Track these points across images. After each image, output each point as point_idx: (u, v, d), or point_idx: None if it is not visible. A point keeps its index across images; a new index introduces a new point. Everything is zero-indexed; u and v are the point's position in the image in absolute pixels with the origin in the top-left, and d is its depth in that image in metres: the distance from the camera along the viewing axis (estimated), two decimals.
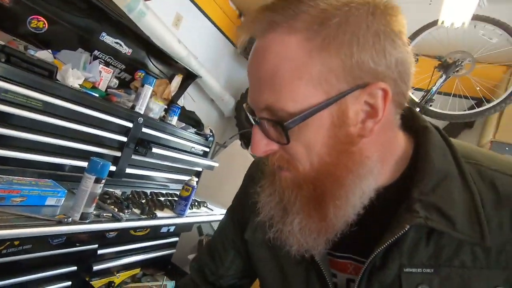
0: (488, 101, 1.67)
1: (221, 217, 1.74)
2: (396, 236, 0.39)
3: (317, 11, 0.37)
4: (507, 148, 1.73)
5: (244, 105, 0.45)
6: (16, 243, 0.97)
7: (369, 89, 0.38)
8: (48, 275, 1.13)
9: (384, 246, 0.39)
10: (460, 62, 1.69)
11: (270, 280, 0.56)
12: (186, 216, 1.39)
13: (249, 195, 0.52)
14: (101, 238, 1.32)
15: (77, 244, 1.21)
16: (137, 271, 1.61)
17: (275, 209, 0.45)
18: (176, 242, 1.82)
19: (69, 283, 1.21)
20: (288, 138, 0.39)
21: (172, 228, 1.69)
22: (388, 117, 0.40)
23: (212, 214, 1.63)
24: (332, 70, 0.37)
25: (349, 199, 0.40)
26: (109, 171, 0.98)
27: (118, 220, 1.04)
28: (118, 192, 1.29)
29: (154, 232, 1.61)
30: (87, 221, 0.93)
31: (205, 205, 1.67)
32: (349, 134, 0.39)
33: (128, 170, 1.46)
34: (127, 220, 1.08)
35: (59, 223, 0.85)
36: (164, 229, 1.65)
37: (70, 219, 0.87)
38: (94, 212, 0.96)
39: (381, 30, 0.37)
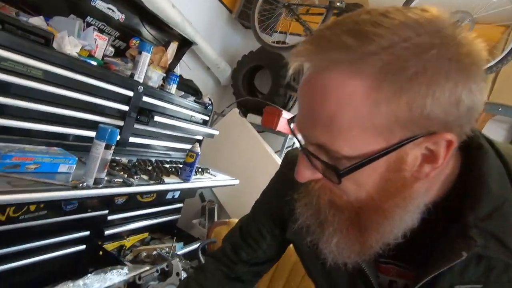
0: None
1: (223, 183, 1.81)
2: (453, 263, 0.39)
3: (391, 57, 0.32)
4: (500, 109, 1.78)
5: (289, 121, 0.42)
6: (32, 208, 1.01)
7: (434, 138, 0.35)
8: (63, 239, 1.19)
9: (440, 271, 0.40)
10: (460, 23, 1.68)
11: (315, 273, 0.58)
12: (192, 182, 1.43)
13: (286, 201, 0.51)
14: (110, 204, 1.37)
15: (89, 210, 1.26)
16: (145, 235, 1.69)
17: (310, 219, 0.44)
18: (180, 208, 1.89)
19: (84, 246, 1.27)
20: (340, 180, 0.37)
21: (176, 194, 1.75)
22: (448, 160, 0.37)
23: (215, 180, 1.68)
24: (398, 120, 0.33)
25: (393, 230, 0.39)
26: None
27: (129, 185, 1.07)
28: (124, 160, 1.31)
29: (160, 199, 1.67)
30: (100, 186, 0.96)
31: (208, 171, 1.72)
32: (404, 177, 0.37)
33: (132, 139, 1.48)
34: (137, 185, 1.11)
35: (75, 188, 0.88)
36: (169, 195, 1.71)
37: (85, 184, 0.90)
38: (106, 178, 0.99)
39: (461, 82, 0.32)
